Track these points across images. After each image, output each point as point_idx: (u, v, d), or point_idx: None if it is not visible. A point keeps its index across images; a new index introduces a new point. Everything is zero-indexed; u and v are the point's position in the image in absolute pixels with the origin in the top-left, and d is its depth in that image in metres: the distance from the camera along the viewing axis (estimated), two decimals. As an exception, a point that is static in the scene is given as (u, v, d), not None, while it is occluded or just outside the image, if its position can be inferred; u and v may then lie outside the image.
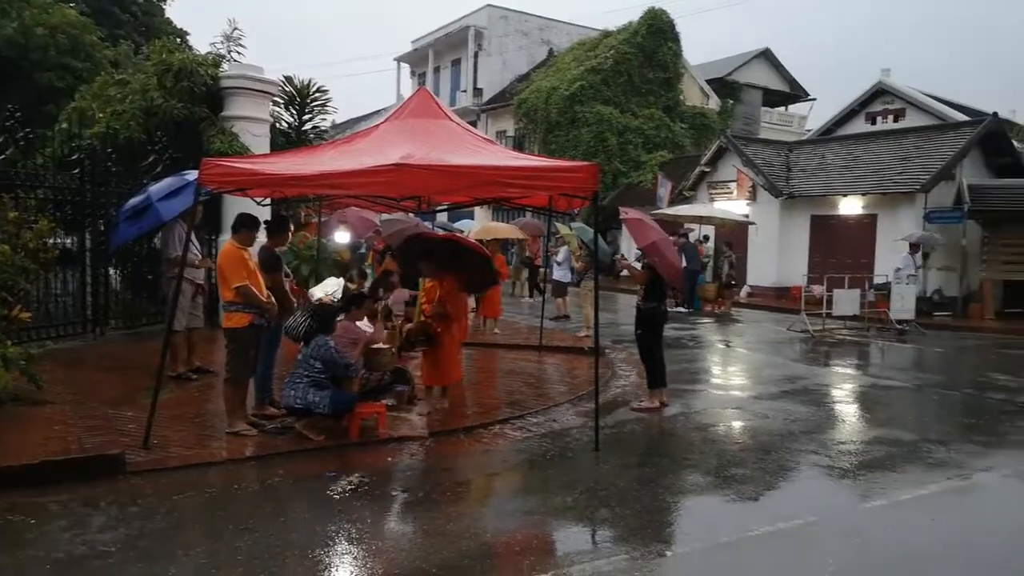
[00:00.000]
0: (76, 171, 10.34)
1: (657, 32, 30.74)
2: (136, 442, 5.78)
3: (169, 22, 29.82)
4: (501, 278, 10.82)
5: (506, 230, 18.18)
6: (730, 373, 10.86)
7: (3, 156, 8.95)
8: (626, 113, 29.59)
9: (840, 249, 19.54)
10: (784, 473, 6.01)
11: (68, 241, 10.35)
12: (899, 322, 14.79)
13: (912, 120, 25.70)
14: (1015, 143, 20.78)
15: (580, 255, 14.23)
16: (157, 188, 8.05)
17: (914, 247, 16.00)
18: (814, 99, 39.04)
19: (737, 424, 7.58)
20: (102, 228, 10.41)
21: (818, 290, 15.25)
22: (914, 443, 6.86)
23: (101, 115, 11.58)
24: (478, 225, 19.87)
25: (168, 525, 4.62)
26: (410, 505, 5.17)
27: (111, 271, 11.07)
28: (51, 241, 8.23)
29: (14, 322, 7.14)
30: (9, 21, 18.85)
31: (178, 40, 24.74)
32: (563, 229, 16.66)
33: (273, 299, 6.46)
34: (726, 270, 18.39)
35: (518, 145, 31.33)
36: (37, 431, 6.03)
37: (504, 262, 15.50)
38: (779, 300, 19.57)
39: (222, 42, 13.19)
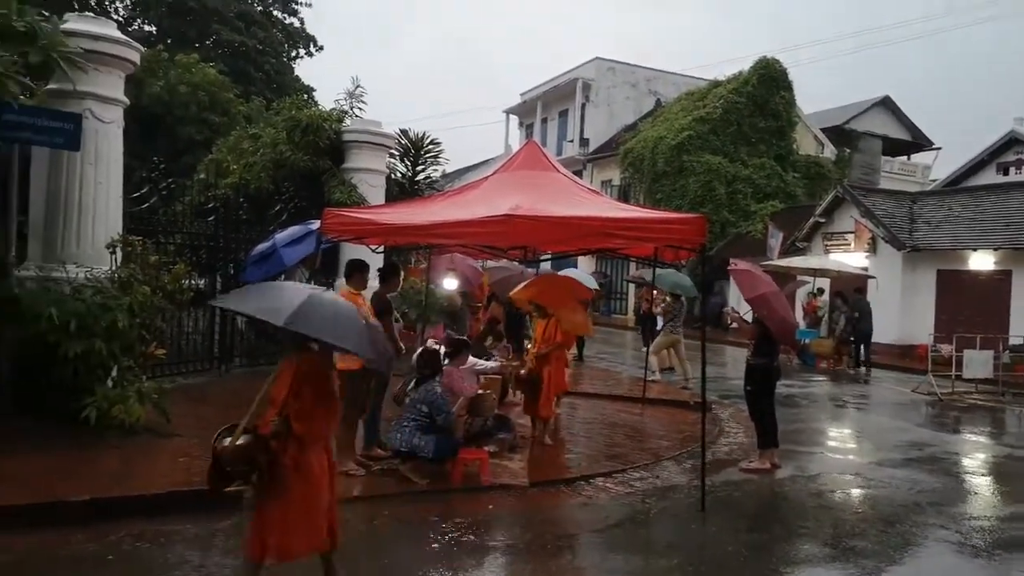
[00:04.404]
0: (211, 218, 11.14)
1: (769, 81, 30.20)
2: (253, 477, 6.04)
3: (297, 79, 31.96)
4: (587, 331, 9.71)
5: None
6: (848, 436, 10.27)
7: (147, 204, 9.76)
8: (735, 162, 29.05)
9: (970, 306, 18.22)
10: (909, 548, 5.59)
11: (201, 283, 11.09)
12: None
13: (1051, 171, 23.99)
14: None
15: (660, 300, 14.11)
16: (282, 235, 8.58)
17: None
18: (939, 148, 37.13)
19: (856, 492, 7.13)
20: (232, 271, 11.13)
21: (946, 350, 14.24)
22: (1060, 523, 6.24)
23: (235, 166, 12.48)
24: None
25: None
26: (510, 556, 5.14)
27: (237, 312, 11.75)
28: (186, 283, 8.85)
29: (150, 358, 7.70)
30: (156, 80, 20.73)
31: (305, 96, 26.42)
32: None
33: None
34: (841, 325, 17.53)
35: (623, 194, 31.26)
36: (165, 462, 6.42)
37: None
38: (901, 359, 18.41)
39: (345, 98, 14.01)
